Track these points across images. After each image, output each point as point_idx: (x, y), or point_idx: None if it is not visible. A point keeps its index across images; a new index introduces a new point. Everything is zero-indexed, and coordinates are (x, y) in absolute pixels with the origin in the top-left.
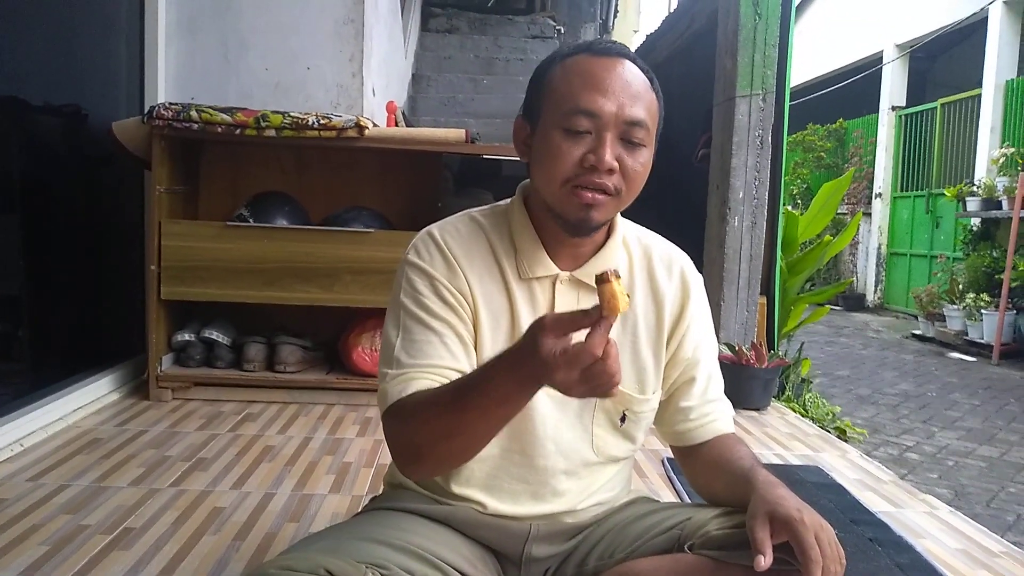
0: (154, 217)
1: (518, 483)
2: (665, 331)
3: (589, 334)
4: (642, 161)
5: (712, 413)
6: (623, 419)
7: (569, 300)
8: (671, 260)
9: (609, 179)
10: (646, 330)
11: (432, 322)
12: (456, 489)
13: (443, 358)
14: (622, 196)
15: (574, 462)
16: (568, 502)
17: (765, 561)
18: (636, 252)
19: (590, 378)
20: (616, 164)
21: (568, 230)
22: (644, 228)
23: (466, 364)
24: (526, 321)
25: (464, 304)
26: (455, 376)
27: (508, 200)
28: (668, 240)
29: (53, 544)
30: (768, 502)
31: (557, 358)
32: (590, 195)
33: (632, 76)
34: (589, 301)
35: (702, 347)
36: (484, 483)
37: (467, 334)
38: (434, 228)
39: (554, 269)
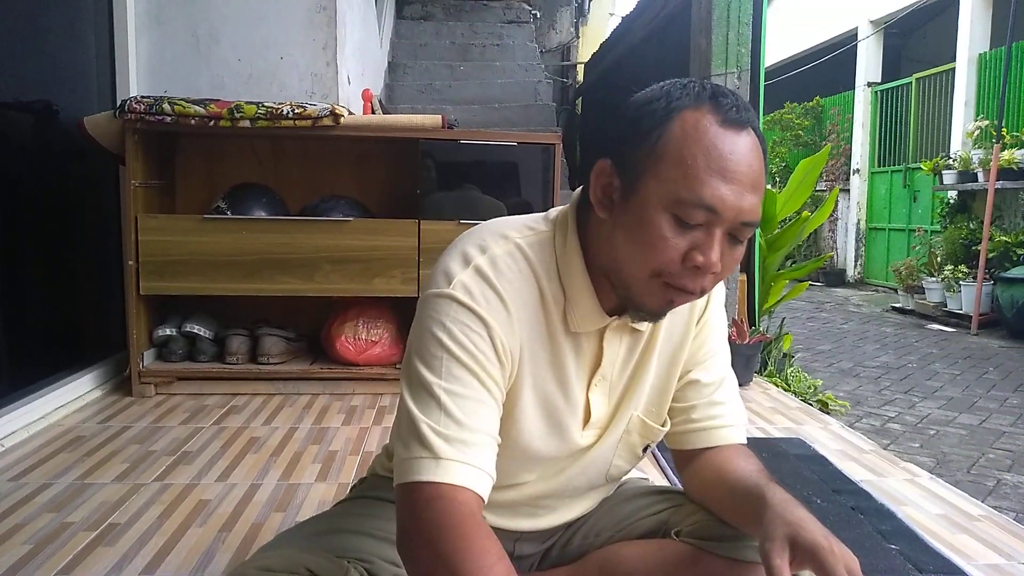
0: (130, 212)
1: (523, 508)
2: (685, 351)
3: None
4: (738, 257)
5: (719, 417)
6: (645, 449)
7: (614, 347)
8: None
9: (706, 280)
10: (671, 356)
11: (486, 379)
12: None
13: (494, 427)
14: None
15: (581, 490)
16: (565, 518)
17: None
18: None
19: None
20: (720, 266)
21: (634, 315)
22: None
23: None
24: (568, 374)
25: (512, 363)
26: (496, 449)
27: (551, 218)
28: None
29: (36, 543)
30: (789, 523)
31: None
32: (679, 298)
33: (756, 155)
34: (626, 342)
35: (712, 351)
36: (490, 507)
37: (502, 403)
38: (482, 262)
39: (604, 321)
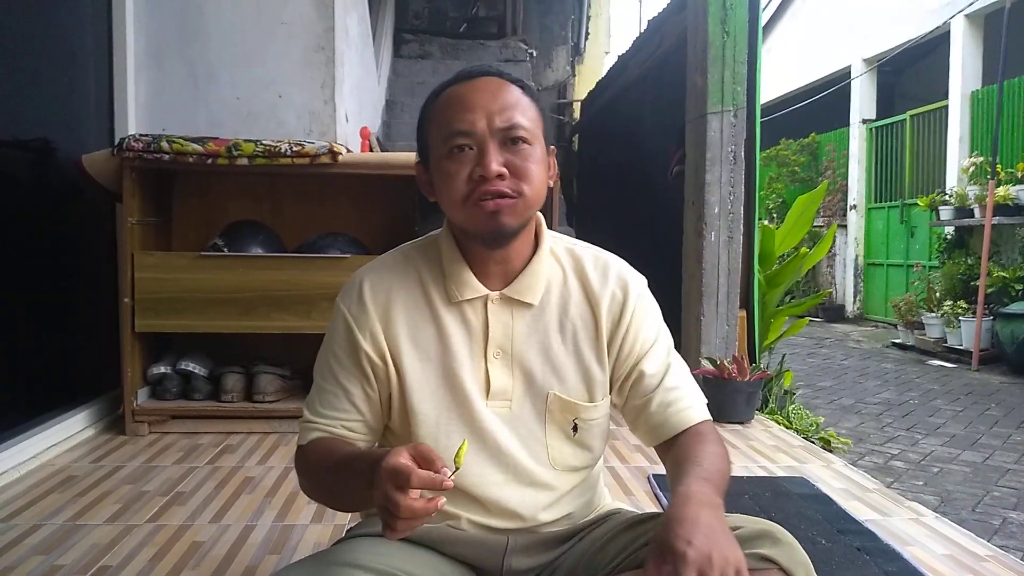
0: (126, 249)
1: (489, 503)
2: (604, 334)
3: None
4: (532, 158)
5: (677, 402)
6: (575, 428)
7: (503, 318)
8: (606, 265)
9: (502, 184)
10: (586, 336)
11: (341, 376)
12: None
13: (346, 411)
14: (526, 196)
15: (532, 473)
16: (534, 512)
17: None
18: (567, 262)
19: (390, 511)
20: (503, 169)
21: (489, 243)
22: (575, 239)
23: (368, 414)
24: (459, 345)
25: (374, 353)
26: (354, 426)
27: (440, 229)
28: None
29: None
30: (665, 526)
31: (385, 503)
32: (491, 203)
33: (496, 87)
34: (523, 318)
35: (650, 341)
36: (453, 498)
37: (372, 387)
38: (363, 269)
39: (482, 290)
